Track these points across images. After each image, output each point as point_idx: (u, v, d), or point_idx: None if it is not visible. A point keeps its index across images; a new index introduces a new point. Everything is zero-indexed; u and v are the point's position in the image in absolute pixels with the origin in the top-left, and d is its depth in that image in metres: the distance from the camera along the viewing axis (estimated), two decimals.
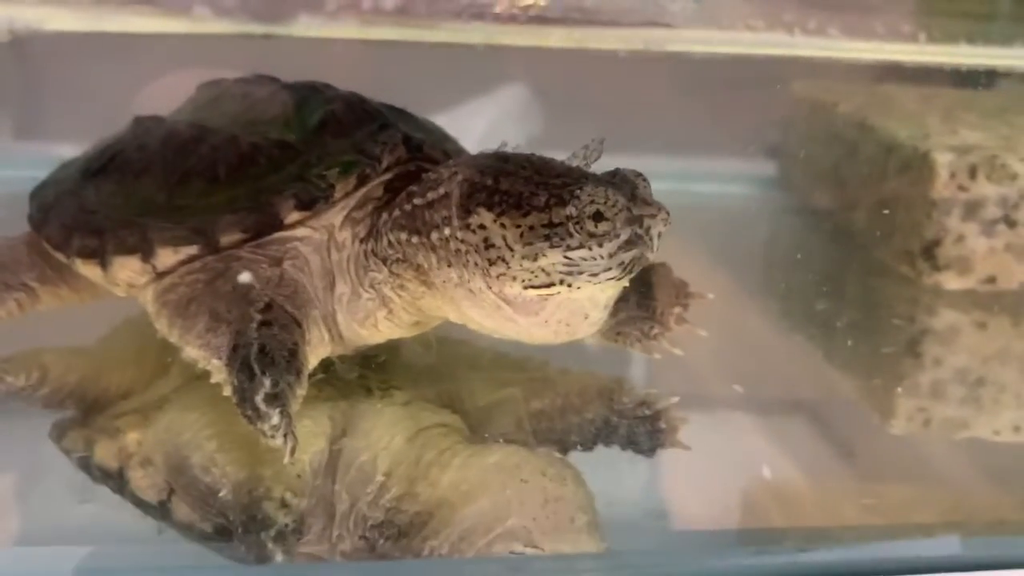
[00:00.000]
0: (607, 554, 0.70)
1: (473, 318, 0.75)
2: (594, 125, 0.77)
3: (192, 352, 0.78)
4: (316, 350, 0.79)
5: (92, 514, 0.72)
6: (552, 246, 0.68)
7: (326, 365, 0.83)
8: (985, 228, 1.16)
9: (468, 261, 0.71)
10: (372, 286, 0.79)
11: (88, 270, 0.84)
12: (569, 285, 0.69)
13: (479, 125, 1.39)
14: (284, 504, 0.70)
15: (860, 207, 1.33)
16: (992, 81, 1.52)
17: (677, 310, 0.91)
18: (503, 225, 0.69)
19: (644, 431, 0.84)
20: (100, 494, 0.73)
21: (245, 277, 0.78)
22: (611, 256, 0.68)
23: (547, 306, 0.71)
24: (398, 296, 0.79)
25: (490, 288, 0.71)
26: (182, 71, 1.07)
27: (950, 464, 0.90)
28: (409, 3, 1.21)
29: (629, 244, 0.68)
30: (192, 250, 0.79)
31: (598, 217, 0.67)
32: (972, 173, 1.16)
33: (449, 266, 0.73)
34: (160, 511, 0.72)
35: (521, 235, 0.68)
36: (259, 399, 0.70)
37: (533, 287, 0.69)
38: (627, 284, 0.71)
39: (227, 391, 0.73)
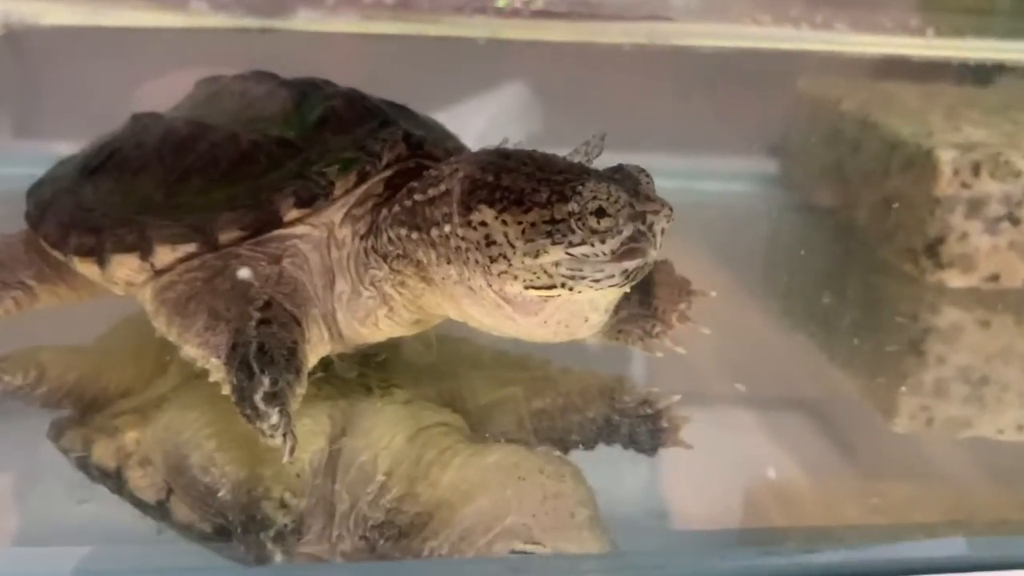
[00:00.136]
0: (609, 554, 0.69)
1: (473, 316, 0.74)
2: (595, 122, 0.77)
3: (191, 351, 0.77)
4: (316, 349, 0.79)
5: (90, 514, 0.72)
6: (554, 243, 0.67)
7: (326, 363, 0.83)
8: (989, 226, 1.16)
9: (469, 259, 0.71)
10: (372, 284, 0.79)
11: (86, 268, 0.83)
12: (571, 288, 0.68)
13: (480, 122, 1.38)
14: (283, 504, 0.70)
15: (863, 205, 1.33)
16: (991, 77, 1.52)
17: (680, 307, 0.90)
18: (504, 222, 0.68)
19: (646, 430, 0.83)
20: (98, 494, 0.73)
21: (244, 272, 0.77)
22: (613, 252, 0.67)
23: (547, 307, 0.70)
24: (399, 294, 0.78)
25: (490, 286, 0.70)
26: (182, 69, 1.06)
27: (953, 463, 0.90)
28: None
29: (632, 240, 0.67)
30: (191, 248, 0.79)
31: (600, 213, 0.67)
32: (976, 170, 1.16)
33: (449, 263, 0.72)
34: (159, 511, 0.71)
35: (523, 232, 0.68)
36: (258, 398, 0.69)
37: (534, 287, 0.69)
38: (628, 290, 0.71)
39: (226, 390, 0.72)
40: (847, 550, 0.71)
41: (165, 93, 1.00)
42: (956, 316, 1.15)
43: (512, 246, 0.68)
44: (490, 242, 0.69)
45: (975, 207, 1.16)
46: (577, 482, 0.76)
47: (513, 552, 0.67)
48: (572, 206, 0.67)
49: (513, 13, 1.18)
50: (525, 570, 0.67)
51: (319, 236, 0.80)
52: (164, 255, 0.79)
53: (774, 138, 1.56)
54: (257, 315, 0.73)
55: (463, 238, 0.71)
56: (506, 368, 0.92)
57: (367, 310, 0.80)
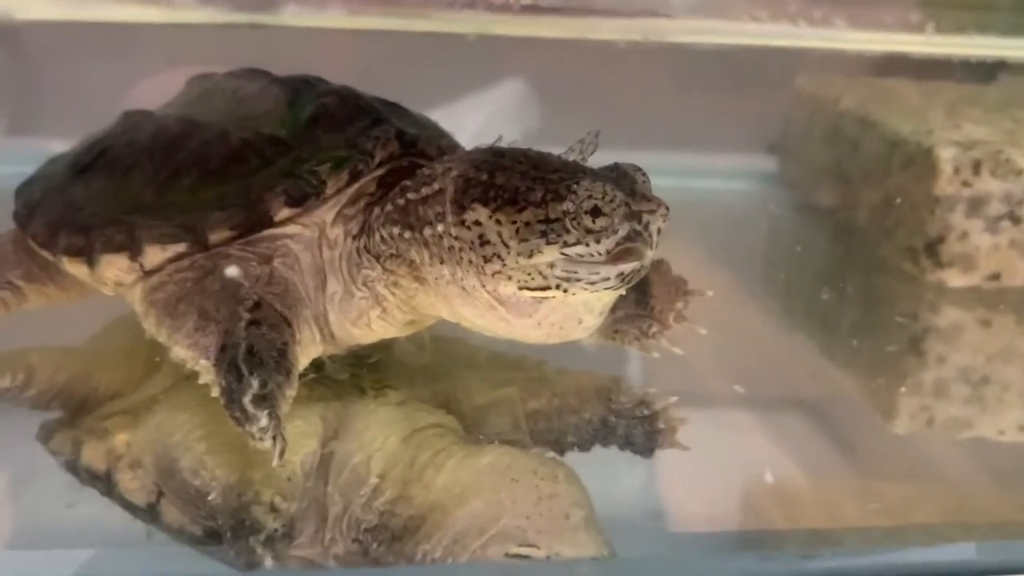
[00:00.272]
0: (605, 558, 0.68)
1: (466, 316, 0.74)
2: (591, 119, 0.76)
3: (180, 352, 0.77)
4: (307, 350, 0.78)
5: (80, 517, 0.71)
6: (549, 242, 0.66)
7: (318, 365, 0.82)
8: (989, 224, 1.15)
9: (462, 258, 0.70)
10: (365, 284, 0.78)
11: (75, 268, 0.83)
12: (565, 290, 0.68)
13: (474, 120, 1.38)
14: (274, 508, 0.69)
15: (862, 203, 1.32)
16: (991, 74, 1.51)
17: (677, 307, 0.89)
18: (498, 221, 0.68)
19: (642, 431, 0.83)
20: (88, 496, 0.72)
21: (232, 271, 0.77)
22: (608, 252, 0.66)
23: (541, 309, 0.69)
24: (392, 294, 0.77)
25: (484, 287, 0.70)
26: (173, 67, 1.06)
27: (954, 464, 0.89)
28: None
29: (627, 240, 0.66)
30: (180, 248, 0.78)
31: (596, 213, 0.66)
32: (976, 169, 1.15)
33: (442, 263, 0.71)
34: (149, 514, 0.71)
35: (517, 231, 0.67)
36: (247, 400, 0.69)
37: (528, 289, 0.68)
38: (624, 293, 0.70)
39: (215, 392, 0.72)
40: (847, 556, 0.71)
41: (156, 90, 0.99)
42: (956, 315, 1.14)
43: (506, 246, 0.68)
44: (484, 242, 0.68)
45: (976, 206, 1.15)
46: (571, 483, 0.75)
47: (508, 555, 0.66)
48: (567, 205, 0.66)
49: (503, 8, 1.18)
50: (519, 575, 0.66)
51: (310, 236, 0.79)
52: (153, 255, 0.78)
53: (772, 136, 1.56)
54: (247, 316, 0.73)
55: (456, 237, 0.70)
56: (501, 369, 0.92)
57: (360, 311, 0.79)
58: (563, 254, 0.67)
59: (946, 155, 1.15)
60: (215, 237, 0.77)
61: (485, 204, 0.68)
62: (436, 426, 0.81)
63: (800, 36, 1.25)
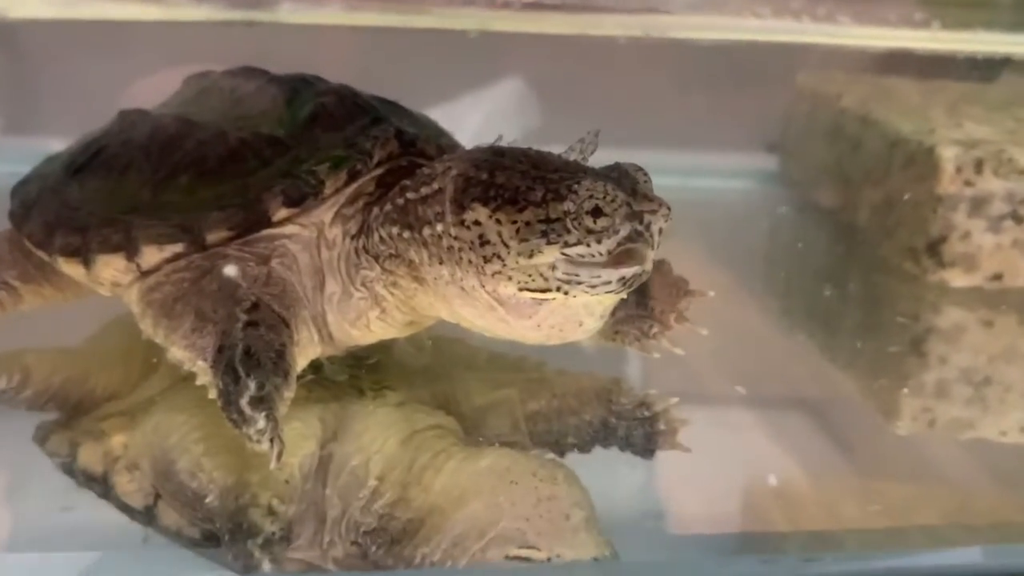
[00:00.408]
0: (605, 560, 0.68)
1: (465, 317, 0.73)
2: (590, 118, 0.76)
3: (177, 353, 0.76)
4: (305, 351, 0.78)
5: (76, 520, 0.71)
6: (549, 242, 0.66)
7: (316, 366, 0.82)
8: (992, 224, 1.15)
9: (462, 258, 0.69)
10: (364, 284, 0.78)
11: (71, 269, 0.82)
12: (566, 293, 0.67)
13: (474, 119, 1.37)
14: (271, 511, 0.69)
15: (863, 203, 1.32)
16: (994, 73, 1.51)
17: (678, 308, 0.89)
18: (498, 221, 0.67)
19: (643, 433, 0.83)
20: (85, 499, 0.72)
21: (230, 270, 0.76)
22: (609, 253, 0.66)
23: (541, 310, 0.69)
24: (391, 294, 0.77)
25: (484, 287, 0.69)
26: (174, 66, 1.05)
27: (955, 465, 0.89)
28: None
29: (628, 240, 0.66)
30: (178, 248, 0.77)
31: (597, 213, 0.65)
32: (978, 168, 1.14)
33: (441, 263, 0.71)
34: (146, 516, 0.70)
35: (517, 231, 0.67)
36: (244, 402, 0.68)
37: (528, 290, 0.68)
38: (624, 296, 0.69)
39: (212, 394, 0.71)
40: (848, 559, 0.70)
41: (153, 89, 0.98)
42: (958, 316, 1.14)
43: (506, 246, 0.67)
44: (484, 241, 0.68)
45: (978, 205, 1.15)
46: (571, 484, 0.75)
47: (508, 558, 0.66)
48: (568, 205, 0.66)
49: (504, 4, 1.17)
50: None
51: (309, 236, 0.79)
52: (150, 255, 0.78)
53: (772, 135, 1.56)
54: (244, 317, 0.72)
55: (456, 237, 0.69)
56: (501, 370, 0.91)
57: (358, 311, 0.79)
58: (564, 254, 0.66)
59: (948, 154, 1.15)
60: (213, 237, 0.77)
61: (485, 204, 0.68)
62: (435, 428, 0.80)
63: (803, 32, 1.24)
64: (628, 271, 0.66)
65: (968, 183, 1.14)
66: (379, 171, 0.79)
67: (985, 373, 1.03)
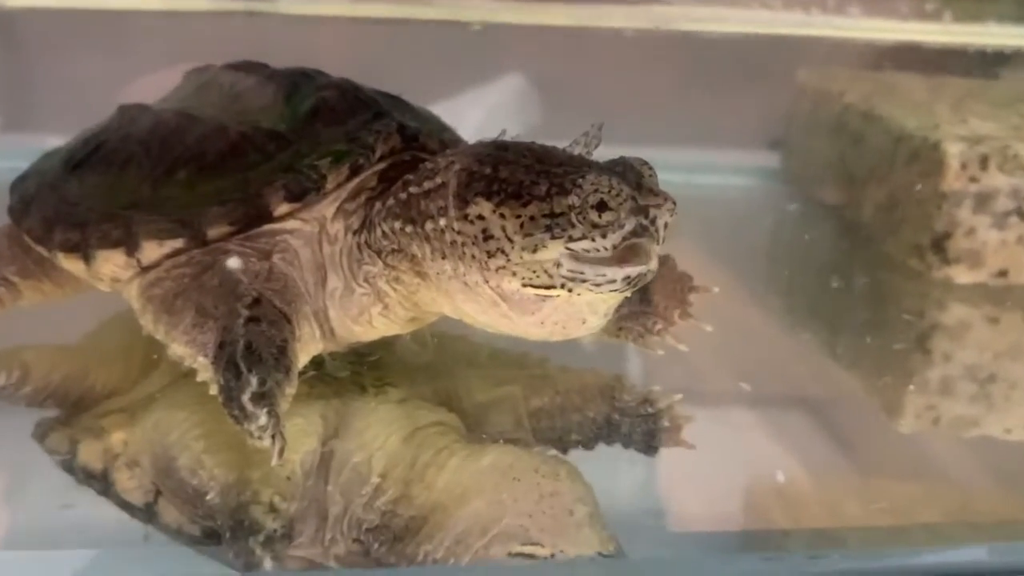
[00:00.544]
0: (609, 557, 0.67)
1: (468, 312, 0.73)
2: (590, 113, 0.75)
3: (178, 349, 0.76)
4: (307, 347, 0.77)
5: (76, 517, 0.70)
6: (554, 237, 0.65)
7: (318, 362, 0.81)
8: (997, 220, 1.14)
9: (465, 253, 0.69)
10: (366, 280, 0.77)
11: (71, 264, 0.82)
12: (570, 291, 0.67)
13: (475, 115, 1.37)
14: (273, 508, 0.68)
15: (867, 199, 1.31)
16: (997, 69, 1.50)
17: (682, 304, 0.88)
18: (502, 215, 0.67)
19: (647, 429, 0.82)
20: (85, 496, 0.72)
21: (233, 262, 0.76)
22: (615, 247, 0.65)
23: (544, 307, 0.68)
24: (393, 290, 0.76)
25: (487, 282, 0.69)
26: (174, 62, 1.04)
27: (960, 463, 0.89)
28: None
29: (633, 235, 0.65)
30: (178, 243, 0.77)
31: (602, 207, 0.65)
32: (984, 164, 1.14)
33: (443, 258, 0.70)
34: (146, 514, 0.70)
35: (521, 225, 0.66)
36: (246, 398, 0.68)
37: (532, 286, 0.67)
38: (628, 295, 0.69)
39: (213, 390, 0.71)
40: (853, 557, 0.70)
41: (153, 84, 0.98)
42: (963, 313, 1.13)
43: (510, 240, 0.66)
44: (488, 236, 0.67)
45: (983, 201, 1.14)
46: (574, 480, 0.74)
47: (511, 554, 0.65)
48: (572, 199, 0.65)
49: None
50: (523, 574, 0.65)
51: (310, 231, 0.78)
52: (151, 251, 0.77)
53: (775, 131, 1.55)
54: (245, 313, 0.72)
55: (459, 232, 0.69)
56: (503, 366, 0.91)
57: (361, 307, 0.78)
58: (568, 249, 0.66)
59: (953, 150, 1.14)
60: (213, 232, 0.76)
61: (488, 198, 0.67)
62: (438, 424, 0.80)
63: (813, 25, 1.23)
64: (633, 270, 0.66)
65: (973, 179, 1.14)
66: (381, 166, 0.78)
67: (990, 370, 1.03)
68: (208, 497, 0.70)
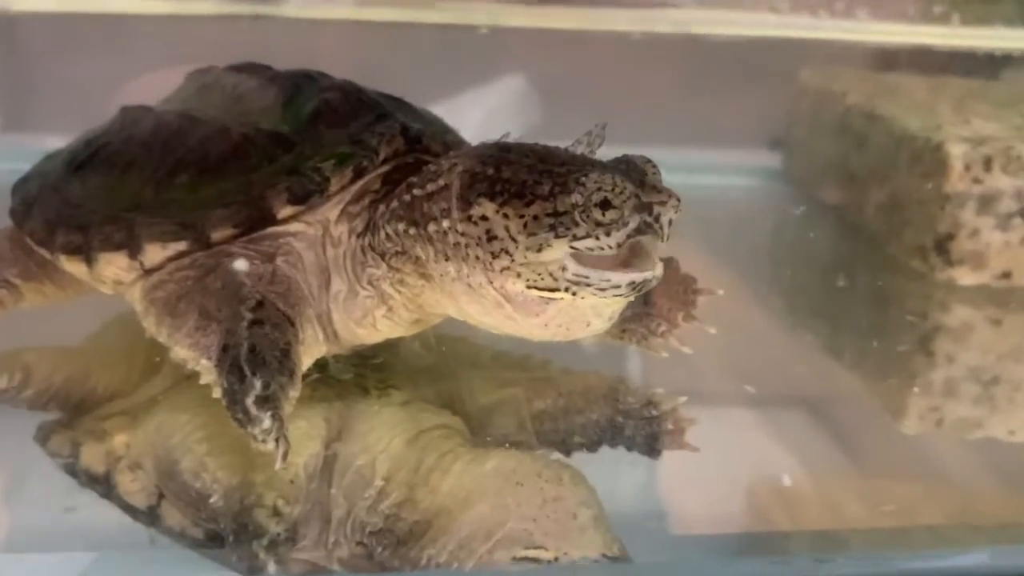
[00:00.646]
0: (614, 561, 0.67)
1: (472, 314, 0.72)
2: (591, 114, 0.75)
3: (181, 352, 0.75)
4: (310, 350, 0.77)
5: (79, 520, 0.70)
6: (558, 236, 0.65)
7: (321, 365, 0.81)
8: (1000, 222, 1.14)
9: (468, 255, 0.68)
10: (370, 283, 0.77)
11: (73, 267, 0.81)
12: (574, 294, 0.66)
13: (477, 114, 1.37)
14: (276, 512, 0.68)
15: (869, 200, 1.31)
16: (998, 69, 1.50)
17: (686, 306, 0.88)
18: (506, 215, 0.66)
19: (650, 432, 0.82)
20: (87, 499, 0.71)
21: (240, 264, 0.75)
22: (619, 245, 0.65)
23: (548, 309, 0.68)
24: (398, 292, 0.76)
25: (491, 283, 0.68)
26: (173, 60, 1.04)
27: (964, 465, 0.88)
28: None
29: (638, 233, 0.65)
30: (181, 246, 0.76)
31: (605, 205, 0.65)
32: (987, 165, 1.14)
33: (447, 260, 0.70)
34: (149, 517, 0.70)
35: (525, 225, 0.66)
36: (249, 401, 0.67)
37: (537, 288, 0.67)
38: (632, 299, 0.69)
39: (217, 393, 0.70)
40: (859, 561, 0.70)
41: (155, 85, 0.98)
42: (966, 314, 1.13)
43: (514, 240, 0.66)
44: (491, 237, 0.67)
45: (986, 203, 1.14)
46: (577, 484, 0.74)
47: (515, 559, 0.65)
48: (575, 197, 0.65)
49: None
50: None
51: (314, 234, 0.78)
52: (153, 253, 0.77)
53: (776, 131, 1.55)
54: (249, 316, 0.71)
55: (463, 233, 0.68)
56: (506, 368, 0.91)
57: (364, 310, 0.78)
58: (572, 248, 0.65)
59: (956, 151, 1.14)
60: (217, 235, 0.76)
61: (492, 199, 0.67)
62: (441, 427, 0.80)
63: (820, 28, 1.22)
64: (639, 276, 0.66)
65: (976, 180, 1.14)
66: (385, 168, 0.78)
67: (993, 372, 1.02)
68: (211, 500, 0.70)
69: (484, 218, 0.67)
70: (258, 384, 0.68)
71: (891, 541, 0.72)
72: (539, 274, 0.66)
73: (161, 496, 0.71)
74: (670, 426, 0.83)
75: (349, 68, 0.88)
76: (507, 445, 0.79)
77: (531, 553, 0.65)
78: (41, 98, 1.41)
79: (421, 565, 0.64)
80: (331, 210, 0.78)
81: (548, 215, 0.65)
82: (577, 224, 0.65)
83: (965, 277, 1.15)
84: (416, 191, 0.73)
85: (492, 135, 0.73)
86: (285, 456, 0.68)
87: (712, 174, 1.48)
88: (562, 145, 0.72)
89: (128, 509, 0.70)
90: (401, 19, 1.16)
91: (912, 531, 0.75)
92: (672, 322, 0.88)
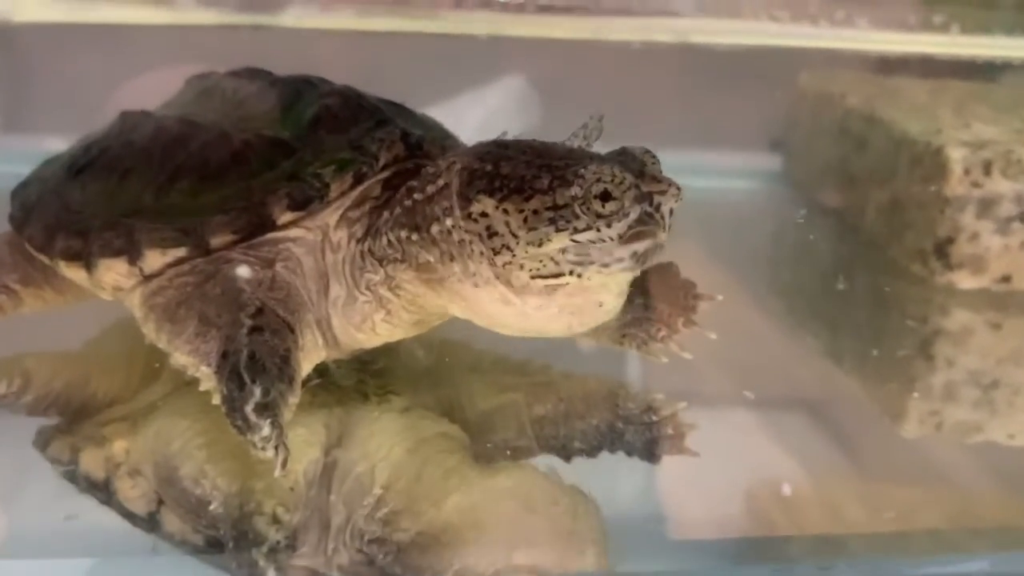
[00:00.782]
0: None
1: (480, 313, 0.71)
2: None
3: (181, 358, 0.75)
4: (310, 355, 0.77)
5: (78, 526, 0.70)
6: (558, 230, 0.65)
7: (321, 370, 0.81)
8: (1000, 226, 1.14)
9: (473, 251, 0.68)
10: (368, 288, 0.77)
11: (72, 272, 0.81)
12: (579, 276, 0.66)
13: (475, 117, 1.37)
14: (276, 519, 0.68)
15: (869, 204, 1.31)
16: (997, 73, 1.50)
17: (686, 312, 0.88)
18: (505, 211, 0.66)
19: (650, 437, 0.82)
20: (87, 505, 0.71)
21: (243, 271, 0.75)
22: (620, 237, 0.65)
23: (557, 296, 0.68)
24: (396, 296, 0.76)
25: (497, 278, 0.68)
26: (171, 65, 1.04)
27: (964, 469, 0.88)
28: None
29: (639, 223, 0.65)
30: (181, 252, 0.76)
31: (605, 196, 0.64)
32: (987, 169, 1.13)
33: (452, 260, 0.70)
34: (149, 523, 0.70)
35: (525, 220, 0.66)
36: (249, 409, 0.67)
37: (541, 276, 0.66)
38: (639, 273, 0.68)
39: (216, 399, 0.70)
40: (863, 567, 0.69)
41: (154, 90, 0.97)
42: (966, 318, 1.13)
43: (515, 236, 0.66)
44: (492, 233, 0.67)
45: (986, 207, 1.14)
46: (591, 519, 0.72)
47: None
48: (575, 190, 0.65)
49: (518, 8, 1.15)
50: None
51: (313, 239, 0.78)
52: (153, 260, 0.77)
53: (776, 133, 1.55)
54: (248, 322, 0.71)
55: (466, 231, 0.68)
56: (507, 373, 0.91)
57: (363, 315, 0.78)
58: (573, 240, 0.65)
59: (956, 155, 1.14)
60: (216, 241, 0.76)
61: (491, 195, 0.67)
62: (442, 436, 0.80)
63: (820, 37, 1.22)
64: (641, 245, 0.65)
65: (976, 184, 1.13)
66: (385, 174, 0.78)
67: (993, 376, 1.02)
68: (211, 507, 0.70)
69: (484, 215, 0.67)
70: (257, 391, 0.67)
71: (892, 545, 0.72)
72: (541, 262, 0.66)
73: (161, 502, 0.71)
74: (670, 431, 0.82)
75: (348, 74, 0.88)
76: (508, 452, 0.79)
77: None
78: (40, 99, 1.40)
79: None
80: (331, 216, 0.78)
81: (548, 209, 0.65)
82: (577, 216, 0.65)
83: (965, 281, 1.15)
84: (417, 195, 0.73)
85: (491, 135, 0.73)
86: (284, 463, 0.67)
87: (712, 177, 1.47)
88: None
89: (128, 515, 0.70)
90: (403, 29, 1.16)
91: (913, 535, 0.75)
92: (672, 327, 0.88)
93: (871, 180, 1.30)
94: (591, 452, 0.79)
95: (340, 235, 0.78)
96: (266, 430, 0.67)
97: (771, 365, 1.01)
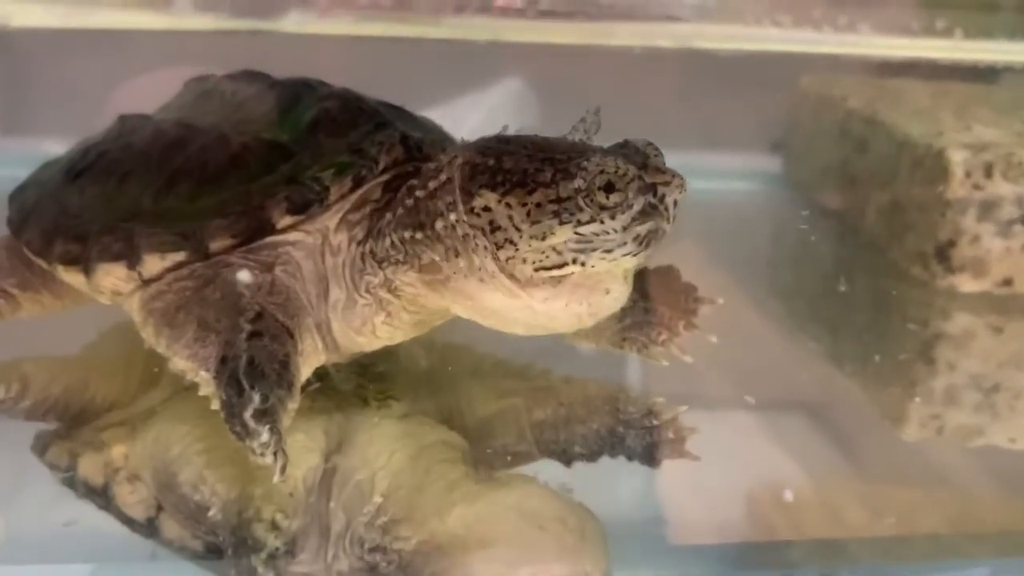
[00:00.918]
0: None
1: (487, 310, 0.71)
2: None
3: (180, 363, 0.75)
4: (309, 360, 0.76)
5: (77, 532, 0.70)
6: (562, 223, 0.65)
7: (321, 374, 0.81)
8: (1001, 229, 1.13)
9: (477, 245, 0.68)
10: (368, 291, 0.76)
11: (71, 277, 0.81)
12: (583, 264, 0.65)
13: (475, 116, 1.36)
14: (275, 526, 0.68)
15: (870, 206, 1.31)
16: (998, 76, 1.50)
17: (687, 315, 0.88)
18: (508, 205, 0.66)
19: (651, 441, 0.81)
20: (85, 511, 0.71)
21: (244, 275, 0.75)
22: (625, 229, 0.64)
23: (563, 287, 0.67)
24: (396, 297, 0.76)
25: (503, 272, 0.67)
26: (170, 69, 1.04)
27: (965, 472, 0.88)
28: None
29: (643, 215, 0.64)
30: (180, 256, 0.76)
31: (609, 188, 0.64)
32: (988, 172, 1.13)
33: (457, 256, 0.69)
34: (148, 529, 0.69)
35: (528, 214, 0.65)
36: (248, 415, 0.67)
37: (544, 268, 0.66)
38: (644, 259, 0.67)
39: (215, 405, 0.70)
40: (865, 573, 0.69)
41: (152, 93, 0.97)
42: (967, 321, 1.13)
43: (518, 230, 0.66)
44: (495, 227, 0.66)
45: (987, 209, 1.13)
46: (597, 542, 0.71)
47: None
48: (578, 183, 0.64)
49: (518, 13, 1.15)
50: None
51: (313, 243, 0.77)
52: (152, 264, 0.76)
53: (776, 135, 1.55)
54: (248, 327, 0.71)
55: (470, 225, 0.68)
56: (507, 377, 0.91)
57: (363, 318, 0.77)
58: (577, 234, 0.65)
59: (957, 158, 1.14)
60: (216, 245, 0.75)
61: (493, 189, 0.66)
62: (442, 443, 0.79)
63: (823, 43, 1.22)
64: (642, 228, 0.65)
65: (977, 187, 1.13)
66: (385, 177, 0.77)
67: (994, 379, 1.02)
68: (210, 513, 0.69)
69: (487, 209, 0.67)
70: (256, 397, 0.67)
71: (893, 550, 0.72)
72: (544, 253, 0.66)
73: (159, 508, 0.71)
74: (671, 435, 0.82)
75: (347, 80, 0.87)
76: (508, 457, 0.78)
77: None
78: (38, 103, 1.40)
79: None
80: (330, 219, 0.77)
81: (551, 202, 0.65)
82: (581, 209, 0.64)
83: (966, 284, 1.14)
84: (419, 192, 0.72)
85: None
86: (283, 469, 0.67)
87: (712, 178, 1.47)
88: None
89: (126, 521, 0.70)
90: (403, 35, 1.16)
91: (914, 539, 0.75)
92: (673, 330, 0.88)
93: (872, 182, 1.30)
94: (592, 456, 0.79)
95: (340, 238, 0.77)
96: (265, 436, 0.67)
97: (772, 368, 1.01)
